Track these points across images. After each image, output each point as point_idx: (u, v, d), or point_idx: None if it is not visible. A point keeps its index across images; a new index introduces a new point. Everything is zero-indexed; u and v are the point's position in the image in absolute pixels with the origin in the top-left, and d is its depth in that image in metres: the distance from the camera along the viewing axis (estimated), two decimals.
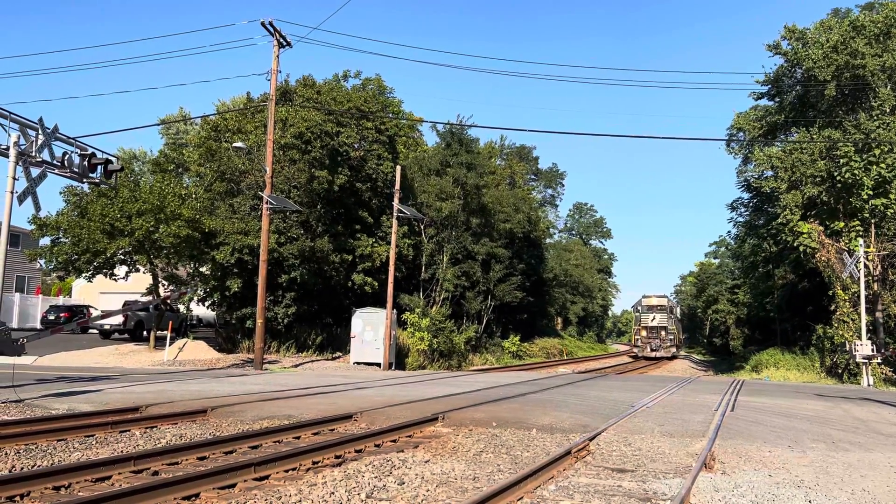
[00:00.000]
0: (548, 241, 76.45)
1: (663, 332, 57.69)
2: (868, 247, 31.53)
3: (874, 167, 31.66)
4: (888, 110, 33.33)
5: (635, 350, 60.12)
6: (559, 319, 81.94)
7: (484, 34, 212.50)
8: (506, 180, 60.04)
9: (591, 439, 10.13)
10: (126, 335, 34.45)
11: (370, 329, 30.61)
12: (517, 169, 69.15)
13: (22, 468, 7.87)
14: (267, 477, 7.72)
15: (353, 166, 34.93)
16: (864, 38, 34.18)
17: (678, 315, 66.94)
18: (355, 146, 35.45)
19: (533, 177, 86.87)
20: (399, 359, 33.10)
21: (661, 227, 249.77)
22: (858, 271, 29.89)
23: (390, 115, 38.56)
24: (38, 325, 40.54)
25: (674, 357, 59.16)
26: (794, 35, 38.03)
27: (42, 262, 30.73)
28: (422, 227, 41.29)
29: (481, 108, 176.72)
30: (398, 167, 32.53)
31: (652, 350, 57.29)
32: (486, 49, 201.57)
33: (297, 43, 29.31)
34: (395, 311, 31.85)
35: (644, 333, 58.61)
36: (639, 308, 60.88)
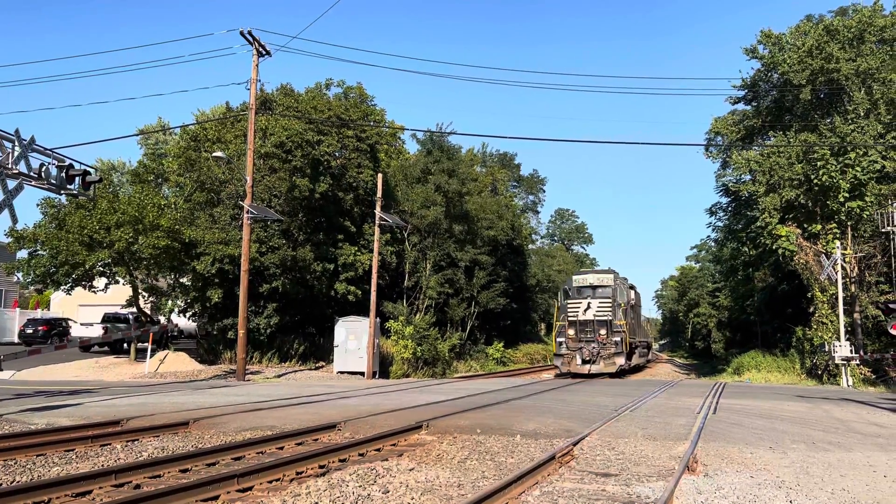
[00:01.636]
0: (530, 247, 76.64)
1: (604, 331, 31.97)
2: (845, 249, 31.94)
3: (850, 170, 32.10)
4: (862, 114, 33.83)
5: (558, 362, 33.42)
6: (543, 325, 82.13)
7: (465, 42, 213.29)
8: (488, 187, 60.14)
9: (575, 444, 10.17)
10: (106, 348, 34.04)
11: (353, 338, 30.51)
12: (499, 176, 69.33)
13: (0, 484, 7.76)
14: (250, 488, 7.67)
15: (334, 175, 34.87)
16: (838, 43, 34.72)
17: (632, 300, 37.45)
18: (336, 155, 35.41)
19: (514, 184, 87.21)
20: (383, 367, 33.00)
21: (642, 231, 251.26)
22: (836, 273, 30.26)
23: (371, 123, 38.53)
24: (16, 340, 39.95)
25: (622, 372, 32.83)
26: (771, 40, 38.55)
27: (19, 275, 30.32)
28: (405, 234, 41.27)
29: (464, 116, 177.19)
30: (380, 175, 32.52)
31: (584, 361, 31.36)
32: (468, 58, 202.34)
33: (276, 52, 29.30)
34: (378, 319, 31.78)
35: (571, 332, 32.43)
36: (567, 291, 34.75)
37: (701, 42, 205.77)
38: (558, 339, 33.00)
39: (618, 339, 31.41)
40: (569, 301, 33.31)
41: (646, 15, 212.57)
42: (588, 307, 32.37)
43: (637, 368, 40.46)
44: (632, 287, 38.00)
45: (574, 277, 35.17)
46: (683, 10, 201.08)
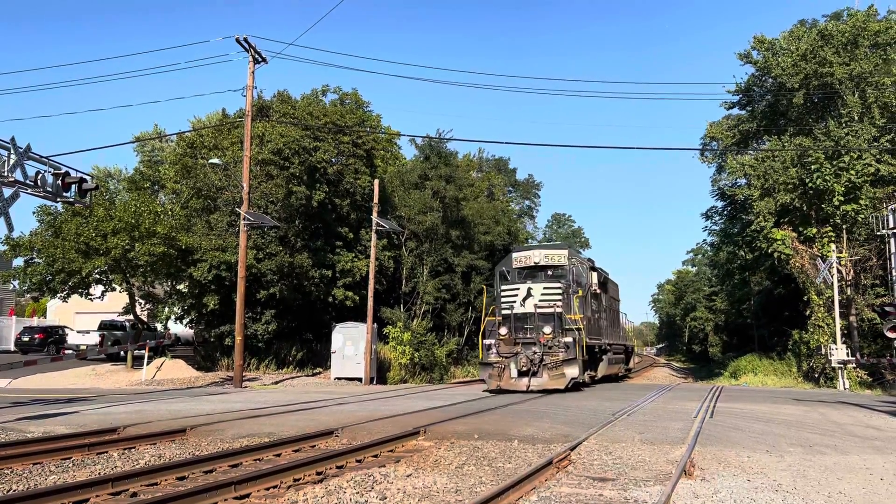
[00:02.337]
0: None
1: (549, 329, 21.95)
2: (840, 252, 32.03)
3: (844, 173, 32.23)
4: (856, 117, 34.01)
5: (485, 375, 22.58)
6: None
7: (461, 49, 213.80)
8: (484, 192, 60.20)
9: (572, 449, 10.17)
10: (103, 355, 33.99)
11: (351, 344, 30.48)
12: (495, 181, 69.39)
13: None
14: (248, 495, 7.66)
15: (330, 181, 34.90)
16: (831, 47, 34.91)
17: (595, 287, 26.67)
18: (332, 161, 35.46)
19: (510, 189, 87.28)
20: (380, 373, 32.97)
21: (639, 235, 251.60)
22: (831, 276, 30.35)
23: (367, 129, 38.62)
24: (12, 348, 39.84)
25: (579, 385, 23.07)
26: (764, 45, 38.74)
27: (16, 282, 30.31)
28: (402, 240, 41.31)
29: (459, 121, 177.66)
30: (376, 181, 32.57)
31: (520, 373, 21.58)
32: (463, 64, 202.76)
33: (272, 59, 29.37)
34: (375, 324, 31.75)
35: (504, 332, 22.52)
36: (504, 274, 24.99)
37: (695, 50, 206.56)
38: (486, 342, 22.52)
39: (569, 339, 21.35)
40: (504, 288, 23.37)
41: (641, 24, 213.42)
42: (528, 295, 22.35)
43: (611, 379, 30.01)
44: (595, 269, 26.97)
45: (514, 255, 25.06)
46: (678, 20, 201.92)
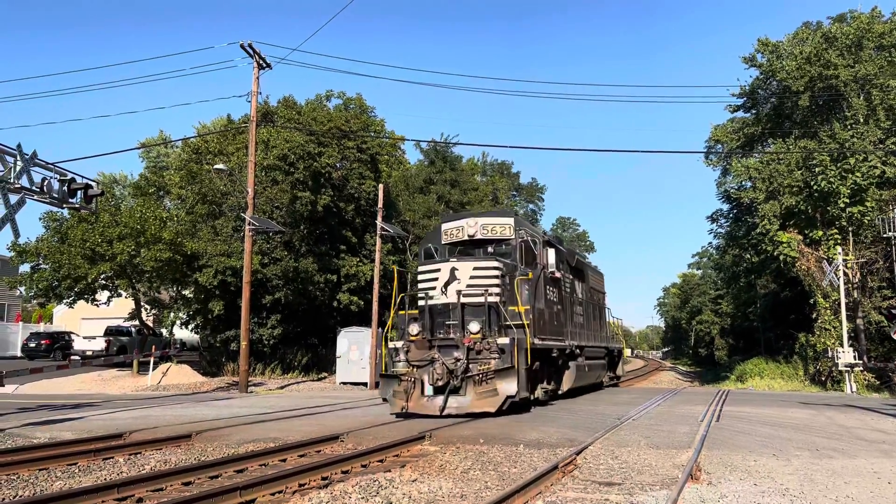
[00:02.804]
0: None
1: (476, 326, 15.32)
2: (846, 254, 31.93)
3: (850, 176, 32.15)
4: (861, 119, 33.93)
5: (388, 393, 15.82)
6: None
7: (466, 54, 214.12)
8: (489, 196, 60.23)
9: (578, 453, 10.15)
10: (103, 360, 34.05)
11: (356, 348, 30.49)
12: (500, 185, 69.43)
13: (3, 499, 7.75)
14: (253, 501, 7.66)
15: (335, 186, 34.96)
16: (836, 50, 34.87)
17: (551, 269, 18.63)
18: (337, 166, 35.53)
19: (514, 193, 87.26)
20: None
21: (644, 239, 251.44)
22: (838, 279, 30.25)
23: (371, 134, 38.66)
24: (19, 354, 39.97)
25: (521, 407, 15.93)
26: (768, 48, 38.73)
27: (22, 289, 30.43)
28: (407, 244, 41.32)
29: (463, 125, 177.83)
30: (381, 186, 32.61)
31: (436, 388, 14.94)
32: (468, 68, 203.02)
33: (277, 64, 29.52)
34: (381, 329, 31.73)
35: (416, 331, 15.86)
36: (431, 251, 18.84)
37: (699, 55, 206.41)
38: (391, 346, 16.34)
39: (506, 340, 15.13)
40: (421, 269, 16.99)
41: (647, 31, 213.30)
42: (452, 278, 15.98)
43: (587, 391, 23.28)
44: (553, 246, 19.30)
45: (443, 226, 18.81)
46: (682, 25, 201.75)
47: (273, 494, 7.89)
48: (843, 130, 33.42)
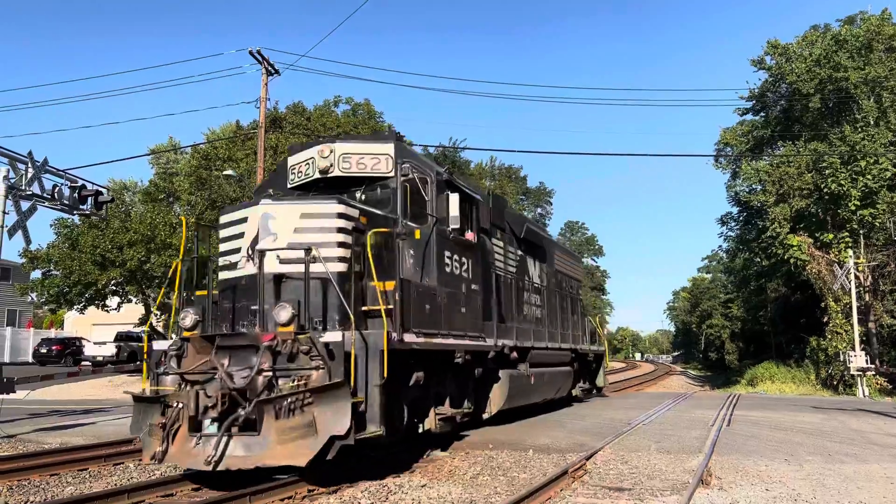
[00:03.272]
0: None
1: (286, 314, 8.31)
2: (858, 258, 31.73)
3: (860, 178, 31.96)
4: (872, 122, 33.75)
5: (141, 429, 8.69)
6: None
7: (474, 59, 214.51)
8: None
9: (587, 458, 10.11)
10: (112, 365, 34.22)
11: None
12: (508, 189, 69.38)
13: None
14: None
15: None
16: (846, 52, 34.71)
17: (457, 222, 10.76)
18: None
19: (522, 197, 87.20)
20: None
21: (653, 242, 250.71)
22: (849, 282, 30.05)
23: None
24: (30, 359, 40.21)
25: (330, 451, 7.74)
26: (777, 50, 38.59)
27: (33, 295, 30.65)
28: None
29: (470, 130, 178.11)
30: None
31: (211, 420, 8.08)
32: (475, 73, 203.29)
33: (285, 71, 29.64)
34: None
35: (189, 321, 9.25)
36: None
37: (708, 58, 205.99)
38: (156, 347, 9.64)
39: (336, 337, 8.31)
40: (223, 222, 10.37)
41: (657, 36, 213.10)
42: (266, 232, 9.20)
43: (519, 414, 15.46)
44: (458, 189, 11.57)
45: (289, 160, 12.03)
46: (692, 29, 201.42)
47: (283, 500, 7.89)
48: (853, 133, 33.23)
